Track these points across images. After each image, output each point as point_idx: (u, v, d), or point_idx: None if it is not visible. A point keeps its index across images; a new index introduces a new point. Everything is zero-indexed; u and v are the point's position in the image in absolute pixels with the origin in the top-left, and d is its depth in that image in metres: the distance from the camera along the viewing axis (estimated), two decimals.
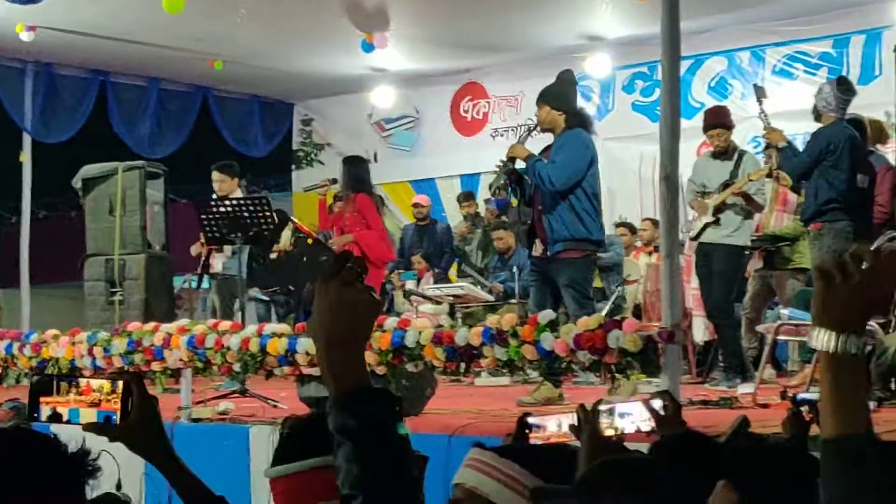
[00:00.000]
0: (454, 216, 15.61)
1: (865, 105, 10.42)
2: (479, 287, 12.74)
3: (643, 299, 11.90)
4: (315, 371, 7.72)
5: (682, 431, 3.50)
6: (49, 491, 2.24)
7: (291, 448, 3.10)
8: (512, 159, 9.12)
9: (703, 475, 2.18)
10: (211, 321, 8.73)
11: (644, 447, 3.66)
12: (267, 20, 12.45)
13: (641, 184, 14.05)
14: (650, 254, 12.47)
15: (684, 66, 13.11)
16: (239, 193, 11.36)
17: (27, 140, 14.28)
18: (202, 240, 11.44)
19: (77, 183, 12.86)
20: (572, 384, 9.90)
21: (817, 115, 9.25)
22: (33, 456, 2.28)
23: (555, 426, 3.51)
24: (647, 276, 11.78)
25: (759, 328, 9.66)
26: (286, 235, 11.18)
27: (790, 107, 12.07)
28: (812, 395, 4.46)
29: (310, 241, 10.74)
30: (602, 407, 3.41)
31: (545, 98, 9.10)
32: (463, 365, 7.29)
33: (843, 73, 12.10)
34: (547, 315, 6.88)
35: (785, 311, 9.02)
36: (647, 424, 3.52)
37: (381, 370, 7.24)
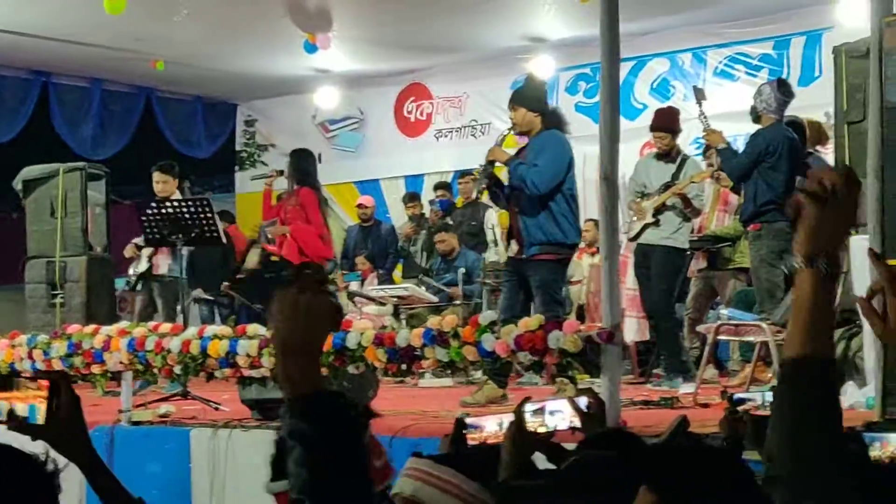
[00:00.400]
0: (399, 217, 15.61)
1: (805, 106, 10.52)
2: (431, 292, 12.69)
3: (586, 300, 11.95)
4: (256, 373, 7.70)
5: (604, 429, 3.53)
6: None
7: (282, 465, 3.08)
8: (491, 162, 9.09)
9: (628, 474, 2.19)
10: (151, 323, 8.66)
11: (572, 445, 3.68)
12: (209, 20, 12.41)
13: (585, 185, 13.97)
14: (593, 255, 12.50)
15: (626, 67, 13.23)
16: (178, 195, 11.29)
17: None
18: (136, 241, 11.38)
19: (18, 184, 12.75)
20: (516, 384, 9.92)
21: (756, 116, 9.30)
22: (14, 474, 2.26)
23: (493, 426, 3.52)
24: (591, 277, 11.82)
25: (700, 328, 9.72)
26: (253, 257, 11.18)
27: (731, 108, 12.16)
28: (750, 394, 4.50)
29: (274, 258, 10.72)
30: (533, 405, 3.43)
31: (520, 101, 9.06)
32: (405, 366, 7.27)
33: (784, 75, 12.22)
34: (488, 316, 6.89)
35: (725, 312, 9.08)
36: (576, 422, 3.54)
37: (322, 372, 7.21)
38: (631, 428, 5.12)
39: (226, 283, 11.18)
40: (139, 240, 11.44)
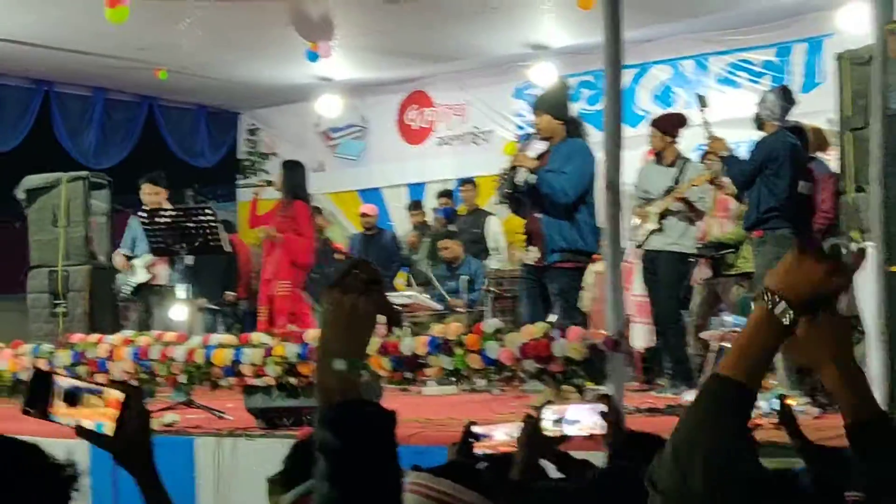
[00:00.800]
0: (401, 225, 15.61)
1: (807, 113, 10.49)
2: (434, 300, 12.69)
3: (591, 307, 11.93)
4: (261, 382, 7.71)
5: (625, 436, 3.53)
6: (36, 500, 2.24)
7: (300, 469, 3.10)
8: (514, 168, 9.12)
9: None
10: (156, 332, 8.66)
11: (589, 454, 3.68)
12: (212, 29, 12.40)
13: None
14: (597, 262, 12.48)
15: (629, 74, 13.21)
16: (169, 205, 11.26)
17: None
18: (123, 252, 11.38)
19: (20, 194, 12.75)
20: (520, 392, 9.91)
21: (760, 123, 9.30)
22: (19, 464, 2.28)
23: (502, 435, 3.52)
24: (595, 284, 11.79)
25: (704, 335, 9.72)
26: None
27: (734, 115, 12.12)
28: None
29: (339, 256, 10.77)
30: (551, 413, 3.43)
31: (544, 107, 9.13)
32: (409, 374, 7.28)
33: (786, 82, 12.21)
34: (493, 324, 6.90)
35: (729, 318, 9.08)
36: (597, 430, 3.53)
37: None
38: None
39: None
40: (125, 250, 11.45)
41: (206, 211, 10.16)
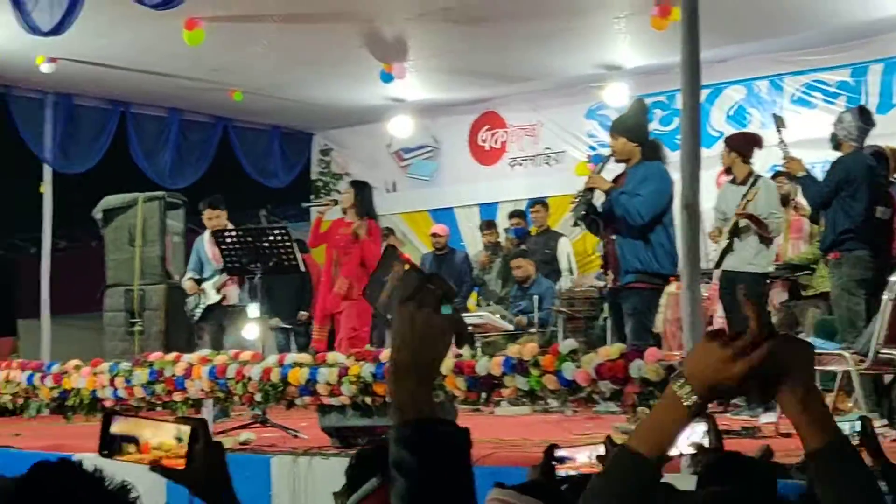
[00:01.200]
0: (473, 245, 15.62)
1: (884, 134, 10.41)
2: (506, 321, 12.69)
3: (663, 328, 11.86)
4: (335, 401, 7.74)
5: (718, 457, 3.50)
6: None
7: (359, 476, 3.14)
8: (590, 190, 9.13)
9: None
10: (232, 351, 8.72)
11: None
12: (287, 51, 12.52)
13: None
14: (670, 283, 12.43)
15: (703, 95, 13.08)
16: (229, 224, 11.35)
17: (48, 171, 14.35)
18: (192, 276, 11.45)
19: (97, 213, 12.94)
20: (592, 413, 9.88)
21: (836, 144, 9.23)
22: (79, 491, 2.27)
23: (584, 457, 3.51)
24: (668, 305, 11.72)
25: None
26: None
27: (809, 135, 12.05)
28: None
29: (406, 266, 10.74)
30: None
31: (620, 130, 9.15)
32: (484, 395, 7.28)
33: (862, 102, 12.11)
34: (568, 345, 6.88)
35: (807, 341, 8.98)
36: (689, 450, 3.51)
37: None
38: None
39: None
40: (193, 273, 11.52)
41: (282, 231, 10.23)
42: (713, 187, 11.21)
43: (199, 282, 11.51)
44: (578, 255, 14.55)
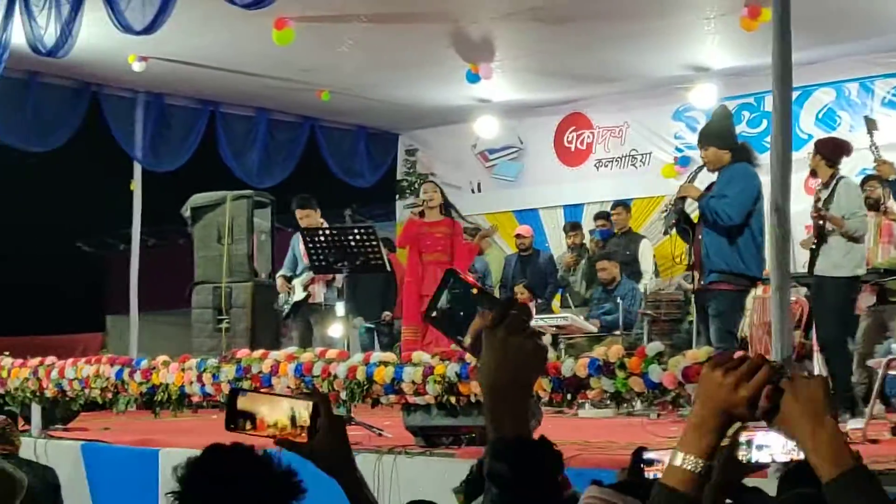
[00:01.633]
0: (557, 246, 15.58)
1: None
2: (589, 322, 12.66)
3: (749, 332, 11.76)
4: (420, 400, 7.76)
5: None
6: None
7: (479, 484, 3.22)
8: (682, 199, 9.15)
9: None
10: (318, 349, 8.78)
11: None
12: (374, 51, 12.56)
13: None
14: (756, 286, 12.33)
15: (792, 97, 13.02)
16: (324, 222, 11.44)
17: (138, 169, 14.54)
18: (283, 274, 11.55)
19: (186, 211, 13.08)
20: (677, 416, 9.83)
21: None
22: (252, 473, 2.56)
23: None
24: (754, 309, 11.63)
25: (870, 363, 9.52)
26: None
27: None
28: None
29: (474, 290, 10.79)
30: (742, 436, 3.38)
31: (709, 140, 9.21)
32: (569, 396, 7.27)
33: None
34: (655, 347, 6.85)
35: None
36: (786, 456, 3.47)
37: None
38: None
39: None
40: (284, 271, 11.63)
41: (368, 230, 10.28)
42: (802, 190, 11.11)
43: (289, 279, 11.62)
44: (663, 258, 14.47)
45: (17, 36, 10.69)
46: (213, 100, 14.90)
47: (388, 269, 10.93)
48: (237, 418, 2.52)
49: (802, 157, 10.65)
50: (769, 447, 3.38)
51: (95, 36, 11.01)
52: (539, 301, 14.32)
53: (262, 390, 3.17)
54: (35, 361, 10.17)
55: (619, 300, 12.54)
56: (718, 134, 9.21)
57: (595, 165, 16.06)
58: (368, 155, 16.79)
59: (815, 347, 10.54)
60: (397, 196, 17.69)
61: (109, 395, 9.60)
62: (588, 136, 16.12)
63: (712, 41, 12.32)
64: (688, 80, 14.13)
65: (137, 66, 12.81)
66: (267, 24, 11.26)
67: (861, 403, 9.39)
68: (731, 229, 8.75)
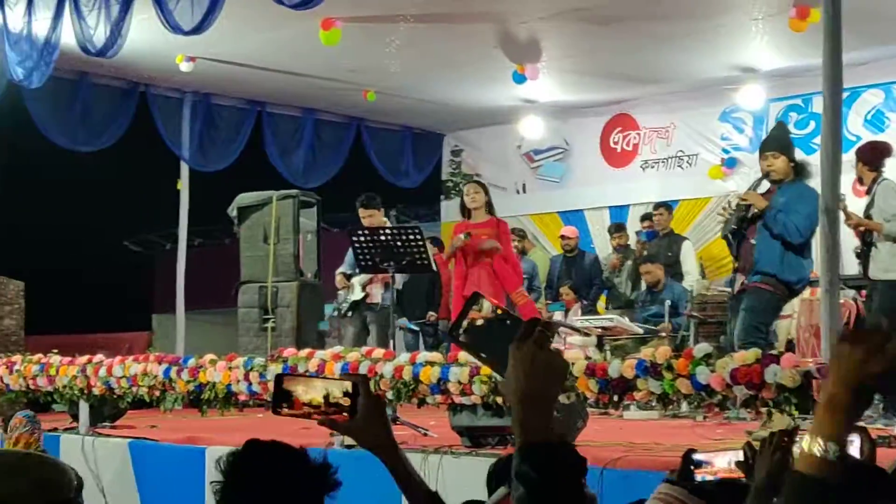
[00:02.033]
0: (602, 247, 15.55)
1: None
2: (635, 324, 12.63)
3: (796, 334, 11.70)
4: (466, 400, 7.77)
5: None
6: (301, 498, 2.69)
7: (496, 484, 3.30)
8: (747, 207, 9.16)
9: None
10: (365, 349, 8.80)
11: None
12: (420, 51, 12.57)
13: None
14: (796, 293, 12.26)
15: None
16: (388, 222, 11.47)
17: (185, 168, 14.62)
18: (342, 271, 11.58)
19: (233, 211, 13.14)
20: (723, 419, 9.79)
21: None
22: (287, 469, 2.71)
23: (723, 463, 3.47)
24: (801, 311, 11.57)
25: None
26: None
27: None
28: None
29: (498, 311, 10.79)
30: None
31: (778, 148, 9.27)
32: (615, 397, 7.25)
33: None
34: (703, 349, 6.82)
35: None
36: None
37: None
38: None
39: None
40: (344, 268, 11.65)
41: (415, 230, 10.30)
42: (850, 193, 11.02)
43: (349, 276, 11.63)
44: (710, 260, 14.41)
45: (67, 36, 10.78)
46: (260, 100, 14.97)
47: (434, 269, 10.93)
48: (278, 401, 2.64)
49: (850, 159, 10.57)
50: None
51: (144, 36, 11.09)
52: (584, 302, 14.31)
53: (302, 374, 3.35)
54: (83, 359, 10.23)
55: (665, 302, 12.49)
56: (786, 145, 9.37)
57: (641, 166, 16.01)
58: (414, 155, 16.82)
59: None
60: (442, 196, 17.72)
61: (157, 394, 9.64)
62: (634, 137, 16.07)
63: (760, 42, 12.24)
64: (735, 80, 14.06)
65: (185, 67, 12.89)
66: (314, 25, 11.30)
67: None
68: (797, 246, 8.83)
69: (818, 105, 9.80)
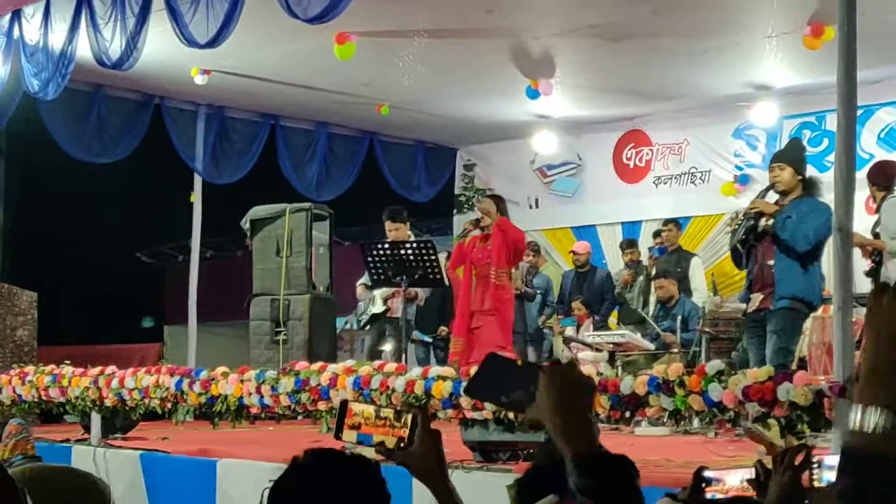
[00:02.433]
0: (615, 263, 15.56)
1: None
2: (647, 339, 12.62)
3: (808, 352, 11.68)
4: (478, 415, 7.76)
5: None
6: None
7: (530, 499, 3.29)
8: (758, 215, 9.17)
9: None
10: (377, 362, 8.79)
11: None
12: (434, 66, 12.58)
13: None
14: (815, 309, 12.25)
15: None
16: (413, 236, 11.50)
17: (198, 181, 14.66)
18: (363, 282, 11.58)
19: (245, 224, 13.14)
20: (735, 436, 9.77)
21: None
22: (345, 473, 2.78)
23: (735, 480, 3.47)
24: (813, 329, 11.55)
25: None
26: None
27: None
28: None
29: (518, 363, 10.80)
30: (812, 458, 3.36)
31: (790, 161, 9.34)
32: (627, 413, 7.24)
33: None
34: (715, 365, 6.81)
35: None
36: None
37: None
38: None
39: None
40: (366, 279, 11.65)
41: (428, 245, 10.30)
42: (863, 211, 11.01)
43: (370, 288, 11.62)
44: (722, 277, 14.39)
45: (83, 48, 10.82)
46: (274, 113, 15.01)
47: (446, 283, 10.94)
48: (342, 428, 2.79)
49: (862, 177, 10.57)
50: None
51: (159, 49, 11.12)
52: (596, 317, 14.30)
53: (363, 402, 3.49)
54: (95, 371, 10.24)
55: (678, 318, 12.48)
56: (797, 158, 9.39)
57: (654, 182, 16.02)
58: (426, 169, 16.84)
59: None
60: (455, 211, 17.73)
61: (169, 406, 9.64)
62: (647, 153, 16.08)
63: (774, 59, 12.24)
64: (748, 98, 14.07)
65: (200, 80, 12.93)
66: (328, 39, 11.33)
67: None
68: (803, 256, 8.88)
69: (831, 122, 9.79)
